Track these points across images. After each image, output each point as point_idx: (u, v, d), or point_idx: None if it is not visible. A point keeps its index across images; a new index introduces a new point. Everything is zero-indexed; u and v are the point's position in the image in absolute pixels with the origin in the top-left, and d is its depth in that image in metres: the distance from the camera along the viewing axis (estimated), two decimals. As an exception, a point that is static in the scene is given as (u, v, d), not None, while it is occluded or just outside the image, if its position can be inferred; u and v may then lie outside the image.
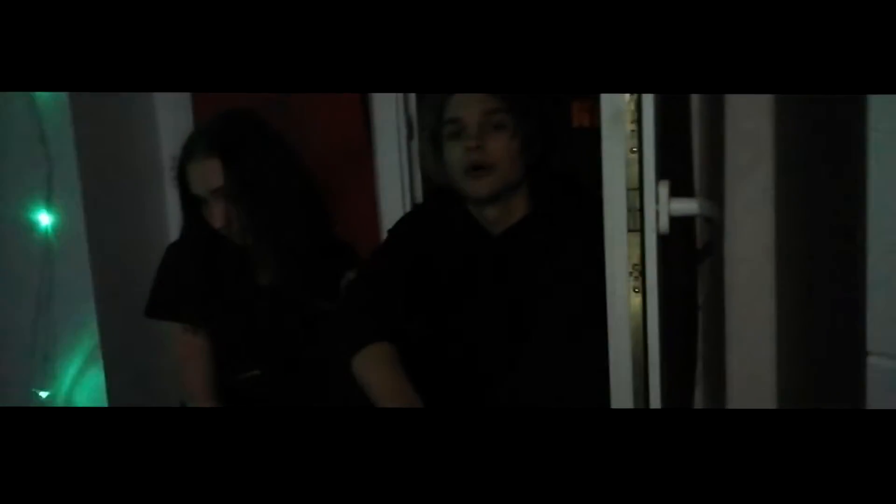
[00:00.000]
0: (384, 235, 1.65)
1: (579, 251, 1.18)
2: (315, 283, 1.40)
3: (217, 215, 1.30)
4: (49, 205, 1.47)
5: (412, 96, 1.61)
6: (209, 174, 1.28)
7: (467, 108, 1.17)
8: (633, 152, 0.88)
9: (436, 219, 1.29)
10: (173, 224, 1.73)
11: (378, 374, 1.18)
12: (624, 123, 0.88)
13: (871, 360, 0.74)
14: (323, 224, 1.42)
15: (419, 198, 1.64)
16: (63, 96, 1.43)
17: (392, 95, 1.57)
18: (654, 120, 0.86)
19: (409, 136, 1.62)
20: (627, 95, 0.87)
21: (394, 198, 1.63)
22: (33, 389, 1.49)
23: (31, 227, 1.47)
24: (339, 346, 1.23)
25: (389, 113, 1.60)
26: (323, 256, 1.43)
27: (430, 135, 1.24)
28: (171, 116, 1.72)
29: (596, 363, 1.12)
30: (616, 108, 0.88)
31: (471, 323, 1.23)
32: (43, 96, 1.43)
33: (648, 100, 0.86)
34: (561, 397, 1.11)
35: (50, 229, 1.47)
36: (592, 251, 1.18)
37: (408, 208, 1.61)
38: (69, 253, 1.48)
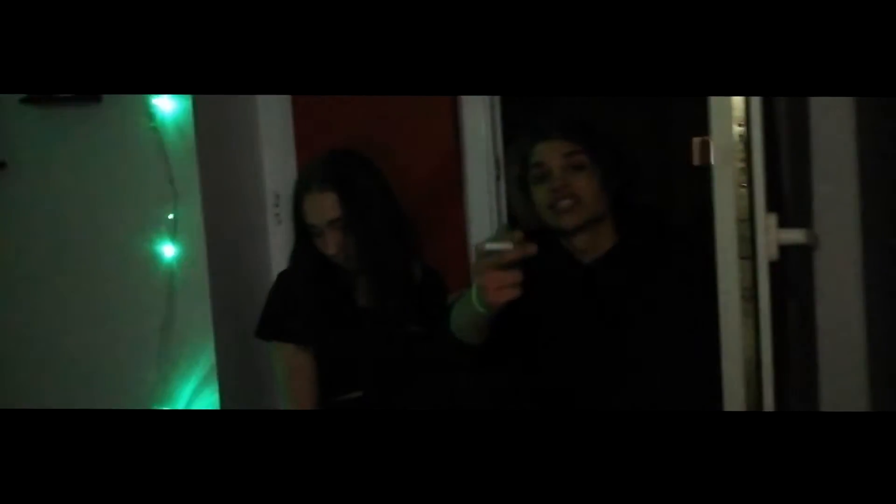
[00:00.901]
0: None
1: (665, 277, 1.26)
2: (410, 308, 1.51)
3: (331, 243, 1.42)
4: (174, 237, 1.60)
5: (500, 139, 1.72)
6: (326, 206, 1.41)
7: (550, 153, 1.30)
8: (742, 186, 0.96)
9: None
10: (275, 254, 1.87)
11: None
12: (734, 159, 0.96)
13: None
14: (416, 252, 1.54)
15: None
16: (191, 140, 1.58)
17: (483, 138, 1.69)
18: (763, 156, 0.94)
19: (497, 177, 1.73)
20: (737, 133, 0.96)
21: (482, 232, 1.73)
22: (153, 405, 1.61)
23: (156, 258, 1.61)
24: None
25: (480, 153, 1.71)
26: (416, 283, 1.54)
27: (518, 181, 1.36)
28: (274, 158, 1.86)
29: (689, 387, 1.19)
30: (727, 145, 0.97)
31: (564, 348, 1.31)
32: (172, 139, 1.58)
33: (757, 137, 0.94)
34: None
35: (174, 260, 1.60)
36: (678, 277, 1.26)
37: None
38: (190, 282, 1.60)
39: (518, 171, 1.36)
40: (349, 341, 1.50)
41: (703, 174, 0.99)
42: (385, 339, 1.51)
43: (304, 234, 1.47)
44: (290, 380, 1.47)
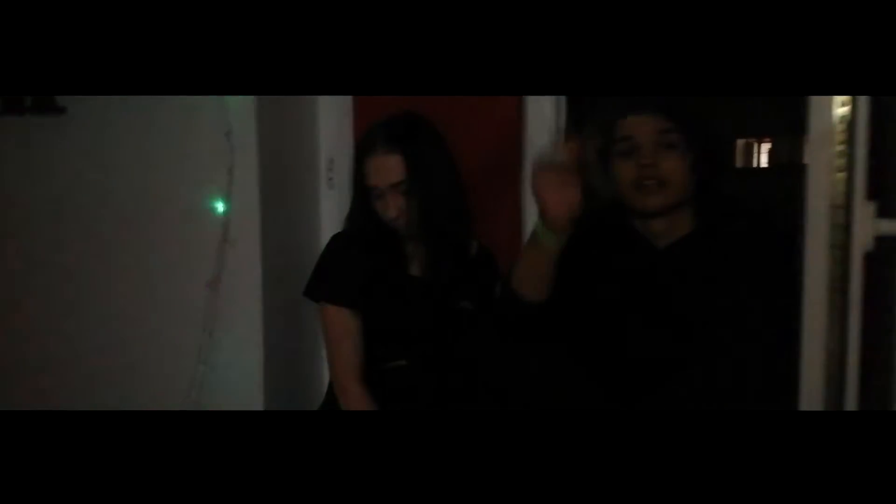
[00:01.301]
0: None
1: (744, 268, 1.20)
2: (462, 281, 1.47)
3: (392, 206, 1.39)
4: (228, 194, 1.59)
5: (563, 109, 1.66)
6: (390, 168, 1.38)
7: (641, 127, 1.23)
8: (839, 171, 0.90)
9: (599, 231, 1.33)
10: (326, 218, 1.85)
11: None
12: (832, 141, 0.90)
13: None
14: (470, 225, 1.50)
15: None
16: (251, 99, 1.56)
17: (546, 107, 1.64)
18: (866, 139, 0.88)
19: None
20: (838, 114, 0.90)
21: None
22: (197, 365, 1.61)
23: (210, 213, 1.60)
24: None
25: (542, 124, 1.66)
26: (470, 257, 1.50)
27: (599, 153, 1.29)
28: (331, 123, 1.84)
29: (762, 376, 1.13)
30: (825, 126, 0.91)
31: (636, 332, 1.26)
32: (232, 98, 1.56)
33: (862, 119, 0.88)
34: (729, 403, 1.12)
35: (226, 216, 1.59)
36: (759, 269, 1.20)
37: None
38: (241, 240, 1.59)
39: (600, 143, 1.29)
40: (398, 309, 1.47)
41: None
42: (434, 310, 1.48)
43: (362, 196, 1.43)
44: (336, 343, 1.45)
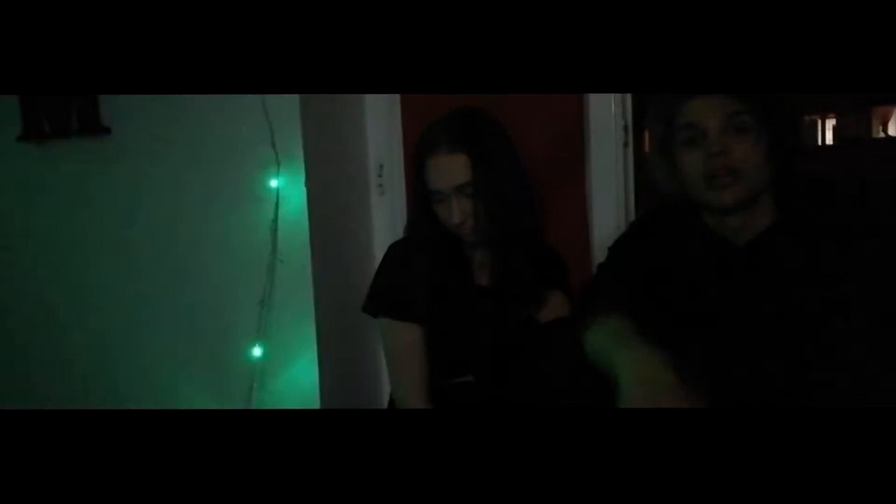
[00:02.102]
0: (594, 244, 1.59)
1: (840, 258, 1.04)
2: (529, 289, 1.36)
3: (457, 211, 1.28)
4: (276, 208, 1.52)
5: (629, 102, 1.54)
6: (455, 169, 1.27)
7: (707, 111, 1.06)
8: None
9: (669, 232, 1.20)
10: (378, 226, 1.78)
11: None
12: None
13: None
14: (539, 227, 1.39)
15: (631, 207, 1.56)
16: (295, 104, 1.49)
17: (609, 100, 1.51)
18: None
19: (625, 143, 1.55)
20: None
21: (606, 206, 1.56)
22: (253, 383, 1.55)
23: (258, 229, 1.54)
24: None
25: (606, 118, 1.54)
26: (536, 261, 1.39)
27: (661, 143, 1.15)
28: (379, 127, 1.76)
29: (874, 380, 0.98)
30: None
31: (724, 343, 1.11)
32: (275, 102, 1.50)
33: None
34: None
35: (274, 231, 1.53)
36: (852, 259, 1.04)
37: (620, 218, 1.54)
38: (291, 252, 1.53)
39: (662, 132, 1.13)
40: (464, 322, 1.37)
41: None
42: (501, 322, 1.37)
43: (423, 201, 1.33)
44: (400, 360, 1.36)
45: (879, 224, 1.08)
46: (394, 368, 1.38)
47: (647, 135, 1.18)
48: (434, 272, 1.34)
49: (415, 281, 1.34)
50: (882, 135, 3.42)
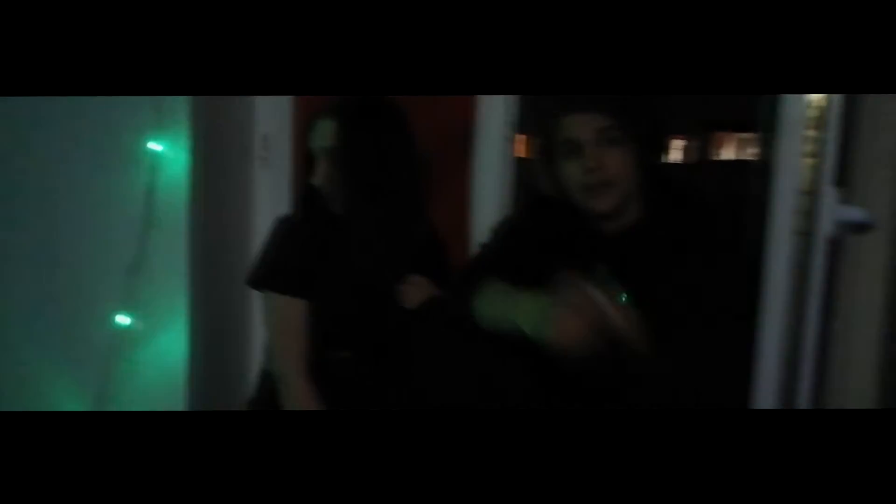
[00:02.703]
0: (475, 234, 1.68)
1: (695, 254, 1.20)
2: (405, 271, 1.41)
3: (321, 173, 1.33)
4: (154, 173, 1.46)
5: (514, 101, 1.64)
6: (327, 133, 1.32)
7: (582, 126, 1.19)
8: (809, 157, 0.91)
9: (547, 220, 1.31)
10: (259, 200, 1.75)
11: None
12: (802, 128, 0.91)
13: None
14: (422, 213, 1.44)
15: (510, 199, 1.65)
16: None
17: (497, 99, 1.60)
18: (838, 127, 0.89)
19: (510, 140, 1.65)
20: (807, 100, 0.90)
21: (488, 197, 1.64)
22: (118, 353, 1.47)
23: (134, 190, 1.47)
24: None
25: (494, 115, 1.62)
26: (418, 248, 1.44)
27: (542, 152, 1.25)
28: (267, 98, 1.72)
29: (716, 361, 1.13)
30: (798, 113, 0.91)
31: None
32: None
33: (835, 105, 0.89)
34: (687, 394, 1.11)
35: (151, 197, 1.46)
36: (708, 254, 1.20)
37: (500, 209, 1.63)
38: (167, 219, 1.48)
39: (543, 144, 1.24)
40: (342, 299, 1.40)
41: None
42: (377, 302, 1.41)
43: (306, 170, 1.36)
44: (283, 335, 1.36)
45: (727, 227, 1.25)
46: (276, 342, 1.38)
47: (529, 143, 1.27)
48: (317, 249, 1.36)
49: (300, 257, 1.35)
50: (719, 158, 3.89)
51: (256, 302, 1.73)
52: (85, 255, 1.49)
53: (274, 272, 1.37)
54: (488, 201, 1.64)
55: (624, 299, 1.10)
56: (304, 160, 1.37)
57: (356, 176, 1.32)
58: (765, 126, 2.00)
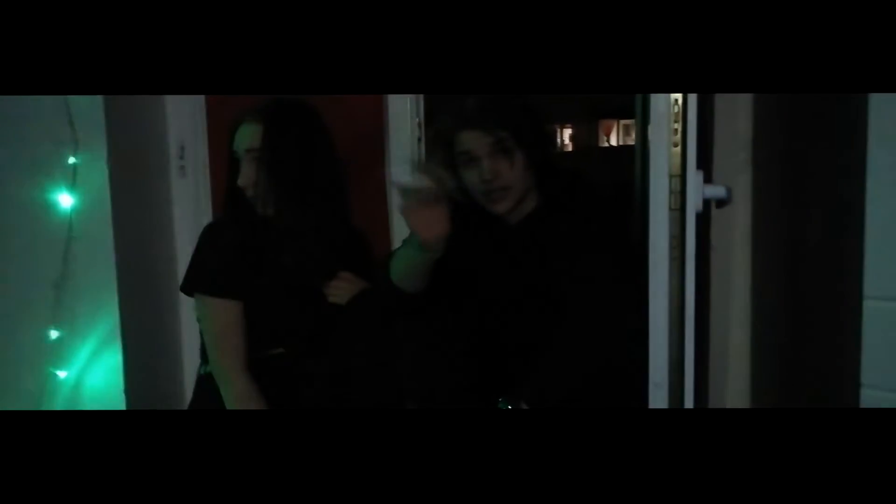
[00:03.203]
0: (393, 226, 1.79)
1: (588, 233, 1.37)
2: (332, 267, 1.48)
3: (245, 174, 1.37)
4: (73, 186, 1.47)
5: (421, 100, 1.76)
6: (250, 135, 1.36)
7: (476, 142, 1.32)
8: (675, 146, 1.08)
9: (459, 215, 1.44)
10: (178, 208, 1.78)
11: None
12: (669, 121, 1.08)
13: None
14: (345, 211, 1.51)
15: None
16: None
17: (406, 98, 1.72)
18: (696, 120, 1.06)
19: (419, 138, 1.77)
20: (672, 98, 1.08)
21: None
22: (50, 369, 1.48)
23: (53, 207, 1.48)
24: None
25: (403, 114, 1.73)
26: (344, 243, 1.51)
27: (444, 163, 1.36)
28: (181, 107, 1.76)
29: (616, 339, 1.30)
30: (663, 109, 1.08)
31: (497, 303, 1.38)
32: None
33: (692, 102, 1.06)
34: (588, 373, 1.28)
35: (72, 211, 1.48)
36: (599, 233, 1.38)
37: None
38: (90, 235, 1.49)
39: (443, 155, 1.36)
40: (274, 298, 1.46)
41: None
42: (309, 296, 1.48)
43: (232, 172, 1.40)
44: (221, 336, 1.40)
45: (613, 208, 1.43)
46: (215, 344, 1.42)
47: (431, 151, 1.39)
48: (247, 250, 1.40)
49: (231, 259, 1.40)
50: (606, 144, 4.20)
51: (186, 308, 1.78)
52: (10, 270, 1.48)
53: (206, 276, 1.41)
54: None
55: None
56: (228, 163, 1.41)
57: (280, 176, 1.36)
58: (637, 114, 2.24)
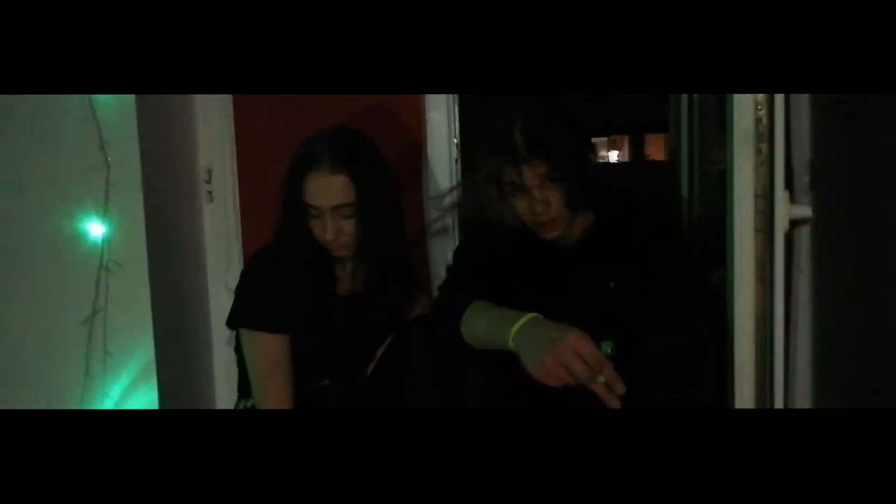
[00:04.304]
0: (432, 250, 1.73)
1: (644, 256, 1.32)
2: (394, 297, 1.45)
3: (332, 229, 1.32)
4: (106, 214, 1.40)
5: (455, 117, 1.72)
6: (336, 189, 1.31)
7: (526, 175, 1.27)
8: (760, 165, 1.04)
9: (509, 239, 1.39)
10: (208, 234, 1.71)
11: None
12: (751, 138, 1.04)
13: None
14: (406, 245, 1.48)
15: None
16: (130, 104, 1.39)
17: (445, 122, 1.68)
18: (784, 136, 1.03)
19: (456, 159, 1.73)
20: (760, 110, 1.03)
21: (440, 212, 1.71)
22: (80, 405, 1.40)
23: (86, 237, 1.41)
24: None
25: (441, 134, 1.69)
26: (399, 273, 1.47)
27: (493, 191, 1.31)
28: (211, 130, 1.70)
29: (695, 363, 1.24)
30: (746, 125, 1.04)
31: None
32: (104, 102, 1.39)
33: (779, 118, 1.02)
34: (661, 395, 1.22)
35: (104, 241, 1.41)
36: (658, 252, 1.33)
37: (453, 221, 1.70)
38: (123, 265, 1.42)
39: (490, 185, 1.31)
40: (328, 332, 1.41)
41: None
42: (355, 329, 1.43)
43: (296, 213, 1.34)
44: (269, 373, 1.35)
45: (671, 227, 1.38)
46: (262, 380, 1.36)
47: (483, 186, 1.34)
48: (301, 283, 1.36)
49: (283, 292, 1.35)
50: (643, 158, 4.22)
51: (217, 340, 1.71)
52: (43, 303, 1.41)
53: (257, 310, 1.35)
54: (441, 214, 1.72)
55: (609, 350, 1.18)
56: (294, 208, 1.35)
57: (374, 229, 1.34)
58: (674, 127, 2.21)
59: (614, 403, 1.05)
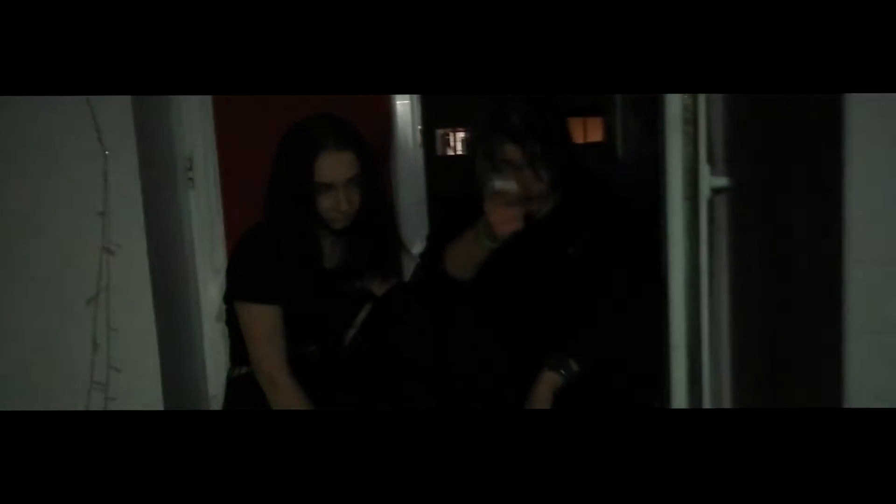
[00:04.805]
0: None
1: (611, 222, 1.54)
2: (381, 267, 1.59)
3: (345, 199, 1.45)
4: (105, 201, 1.51)
5: (418, 110, 1.89)
6: (347, 164, 1.45)
7: (515, 153, 1.49)
8: (687, 144, 1.26)
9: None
10: (194, 219, 1.83)
11: None
12: (679, 122, 1.26)
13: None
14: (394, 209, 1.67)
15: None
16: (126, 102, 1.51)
17: (409, 111, 1.85)
18: (706, 119, 1.24)
19: (421, 144, 1.90)
20: (686, 99, 1.25)
21: (407, 189, 1.88)
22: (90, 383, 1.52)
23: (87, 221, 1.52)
24: None
25: (406, 123, 1.86)
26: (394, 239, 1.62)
27: (491, 165, 1.52)
28: (193, 119, 1.80)
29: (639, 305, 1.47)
30: (675, 111, 1.26)
31: (534, 293, 1.54)
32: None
33: (702, 105, 1.24)
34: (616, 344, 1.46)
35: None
36: (621, 221, 1.55)
37: (420, 196, 1.89)
38: (126, 247, 1.54)
39: (489, 159, 1.51)
40: (316, 302, 1.54)
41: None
42: (342, 298, 1.57)
43: (297, 192, 1.45)
44: (265, 340, 1.47)
45: (625, 201, 1.62)
46: (258, 348, 1.48)
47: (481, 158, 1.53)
48: (294, 259, 1.48)
49: (277, 267, 1.47)
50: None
51: (209, 315, 1.83)
52: (49, 287, 1.51)
53: (253, 284, 1.48)
54: (408, 190, 1.90)
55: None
56: (304, 189, 1.45)
57: (377, 195, 1.51)
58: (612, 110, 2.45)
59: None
